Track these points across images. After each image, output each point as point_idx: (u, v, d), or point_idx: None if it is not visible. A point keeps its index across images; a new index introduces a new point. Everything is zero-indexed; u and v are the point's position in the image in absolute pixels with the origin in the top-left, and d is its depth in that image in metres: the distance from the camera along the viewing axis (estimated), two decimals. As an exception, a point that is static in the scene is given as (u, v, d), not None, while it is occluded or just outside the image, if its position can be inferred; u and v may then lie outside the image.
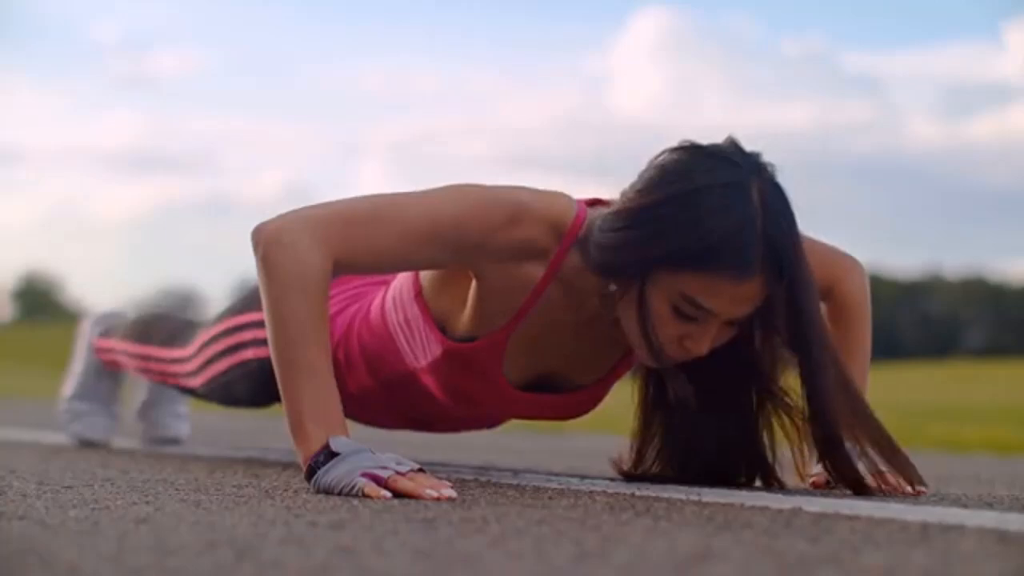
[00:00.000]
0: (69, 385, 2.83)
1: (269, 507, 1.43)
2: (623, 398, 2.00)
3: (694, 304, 1.63)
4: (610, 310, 1.75)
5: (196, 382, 2.38)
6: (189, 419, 2.93)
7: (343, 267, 1.71)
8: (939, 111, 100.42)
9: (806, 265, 1.67)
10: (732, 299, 1.63)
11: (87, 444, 2.78)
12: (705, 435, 1.87)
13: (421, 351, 1.91)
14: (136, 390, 2.88)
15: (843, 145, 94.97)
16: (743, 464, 1.89)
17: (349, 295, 2.12)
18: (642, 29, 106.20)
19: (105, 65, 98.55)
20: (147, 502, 1.47)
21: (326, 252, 1.68)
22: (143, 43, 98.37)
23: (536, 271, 1.78)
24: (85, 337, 2.82)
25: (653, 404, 1.91)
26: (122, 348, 2.65)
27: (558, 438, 5.09)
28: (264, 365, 2.16)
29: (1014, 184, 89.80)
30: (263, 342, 2.14)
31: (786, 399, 1.80)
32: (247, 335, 2.23)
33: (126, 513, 1.34)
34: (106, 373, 2.80)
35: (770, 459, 1.86)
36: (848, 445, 1.74)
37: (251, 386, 2.24)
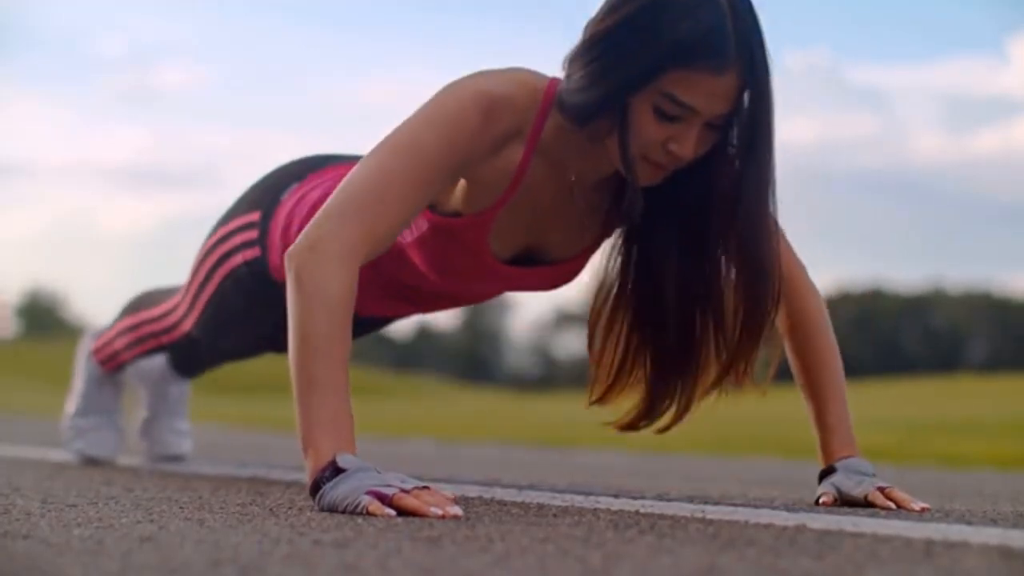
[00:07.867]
0: (71, 403, 2.82)
1: (273, 525, 1.43)
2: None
3: (675, 102, 1.66)
4: (600, 154, 1.77)
5: (189, 321, 2.40)
6: (191, 436, 2.93)
7: (373, 254, 1.74)
8: (943, 125, 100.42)
9: (770, 75, 1.69)
10: (710, 95, 1.66)
11: (91, 462, 2.78)
12: (665, 290, 1.87)
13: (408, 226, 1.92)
14: (137, 408, 2.88)
15: (847, 158, 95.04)
16: (704, 316, 1.87)
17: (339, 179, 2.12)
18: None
19: (110, 79, 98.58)
20: (151, 520, 1.47)
21: (351, 264, 1.70)
22: (148, 57, 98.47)
23: (516, 152, 1.82)
24: (84, 352, 2.82)
25: (609, 320, 1.92)
26: (115, 331, 2.69)
27: (562, 453, 5.09)
28: (254, 266, 2.19)
29: (1018, 197, 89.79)
30: (252, 243, 2.19)
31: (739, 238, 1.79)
32: (236, 240, 2.24)
33: (130, 532, 1.35)
34: (107, 381, 2.80)
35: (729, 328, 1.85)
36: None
37: (245, 298, 2.25)
